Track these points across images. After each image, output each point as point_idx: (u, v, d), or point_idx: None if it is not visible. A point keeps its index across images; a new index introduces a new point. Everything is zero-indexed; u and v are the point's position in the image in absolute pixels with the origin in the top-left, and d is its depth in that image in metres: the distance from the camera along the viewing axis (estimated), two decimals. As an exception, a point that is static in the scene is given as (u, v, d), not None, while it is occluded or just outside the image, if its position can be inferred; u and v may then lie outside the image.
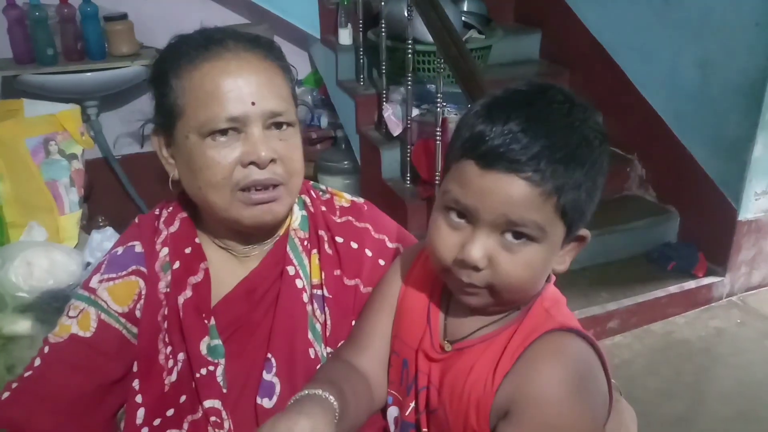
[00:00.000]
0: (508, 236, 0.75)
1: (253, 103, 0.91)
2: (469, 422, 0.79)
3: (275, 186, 0.94)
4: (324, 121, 3.46)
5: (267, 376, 0.94)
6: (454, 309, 0.87)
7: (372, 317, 0.94)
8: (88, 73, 2.92)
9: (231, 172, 0.91)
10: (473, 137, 0.75)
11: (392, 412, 0.92)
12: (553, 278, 0.86)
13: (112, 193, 3.22)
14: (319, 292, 0.99)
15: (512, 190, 0.73)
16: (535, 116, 0.74)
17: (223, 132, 0.91)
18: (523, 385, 0.76)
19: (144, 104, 0.99)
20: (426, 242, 0.83)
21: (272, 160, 0.92)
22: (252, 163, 0.91)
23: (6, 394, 0.92)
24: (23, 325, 1.47)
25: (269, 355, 0.95)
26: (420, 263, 0.92)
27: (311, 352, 0.96)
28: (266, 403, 0.93)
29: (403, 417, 0.89)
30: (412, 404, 0.88)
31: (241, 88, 0.90)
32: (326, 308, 0.98)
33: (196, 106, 0.91)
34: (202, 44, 0.93)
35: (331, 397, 0.78)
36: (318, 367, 0.95)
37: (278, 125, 0.94)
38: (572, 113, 0.76)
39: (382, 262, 1.03)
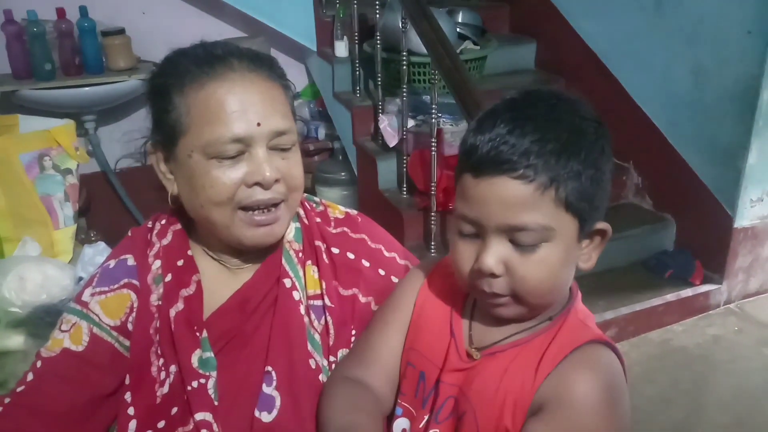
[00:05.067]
0: (517, 240, 0.76)
1: (258, 124, 0.91)
2: (502, 422, 0.80)
3: (276, 205, 0.95)
4: (321, 133, 3.47)
5: (267, 390, 0.94)
6: (479, 318, 0.87)
7: (380, 332, 0.94)
8: (86, 88, 2.92)
9: (234, 192, 0.92)
10: (466, 151, 0.78)
11: (401, 423, 0.90)
12: (579, 294, 0.86)
13: (111, 207, 3.22)
14: (319, 302, 0.99)
15: (506, 193, 0.74)
16: (521, 117, 0.75)
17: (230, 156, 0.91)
18: (561, 387, 0.77)
19: (142, 118, 1.00)
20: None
21: (276, 180, 0.93)
22: (256, 183, 0.92)
23: (-2, 409, 0.93)
24: (16, 340, 1.47)
25: (269, 368, 0.95)
26: (437, 277, 0.93)
27: (311, 362, 0.96)
28: (265, 416, 0.93)
29: (415, 429, 0.88)
30: (426, 417, 0.87)
31: (246, 108, 0.91)
32: (328, 317, 0.99)
33: (201, 126, 0.91)
34: (206, 62, 0.92)
35: None
36: (322, 380, 0.95)
37: (283, 148, 0.95)
38: (558, 107, 0.77)
39: (381, 272, 1.04)
